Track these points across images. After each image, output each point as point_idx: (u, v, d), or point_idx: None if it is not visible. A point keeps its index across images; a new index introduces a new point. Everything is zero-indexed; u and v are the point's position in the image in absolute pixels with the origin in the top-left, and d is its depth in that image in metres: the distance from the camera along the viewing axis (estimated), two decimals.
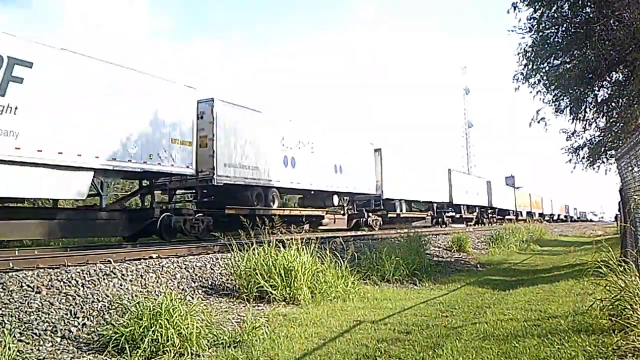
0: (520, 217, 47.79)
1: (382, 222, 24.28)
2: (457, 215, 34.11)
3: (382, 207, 24.49)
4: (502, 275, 11.00)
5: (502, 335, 5.02)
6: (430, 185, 29.09)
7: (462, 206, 34.76)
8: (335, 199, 21.32)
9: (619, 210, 10.63)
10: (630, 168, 6.95)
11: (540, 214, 59.30)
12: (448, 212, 32.55)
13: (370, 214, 23.70)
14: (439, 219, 31.24)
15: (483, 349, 4.51)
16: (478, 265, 12.94)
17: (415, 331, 5.37)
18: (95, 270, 6.83)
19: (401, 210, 26.31)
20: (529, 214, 52.02)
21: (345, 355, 4.54)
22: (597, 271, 5.32)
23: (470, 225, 34.03)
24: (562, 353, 4.20)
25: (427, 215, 30.17)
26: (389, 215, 25.09)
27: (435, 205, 30.82)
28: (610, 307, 5.01)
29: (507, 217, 44.26)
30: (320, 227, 20.34)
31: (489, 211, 41.31)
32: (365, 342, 4.95)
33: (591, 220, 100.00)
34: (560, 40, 11.50)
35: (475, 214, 37.80)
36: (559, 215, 72.57)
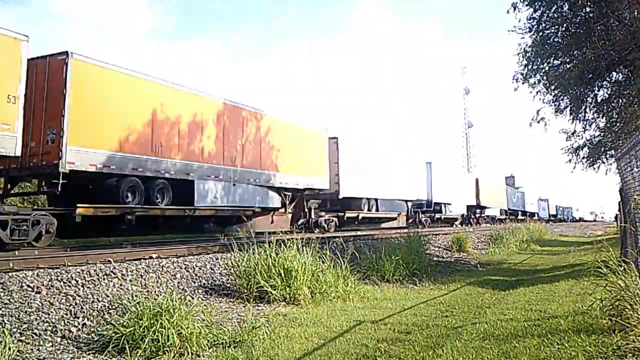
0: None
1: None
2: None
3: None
4: (502, 275, 11.00)
5: (502, 335, 5.02)
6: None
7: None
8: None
9: (619, 210, 10.63)
10: (630, 168, 6.95)
11: (413, 207, 28.33)
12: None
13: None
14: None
15: (483, 349, 4.51)
16: (478, 265, 12.95)
17: (415, 331, 5.37)
18: (95, 270, 6.83)
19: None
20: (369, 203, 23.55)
21: (345, 355, 4.54)
22: (597, 271, 5.32)
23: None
24: (562, 353, 4.20)
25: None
26: (436, 215, 31.01)
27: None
28: (610, 307, 5.01)
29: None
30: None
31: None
32: (365, 342, 4.95)
33: (581, 220, 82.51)
34: (560, 40, 11.51)
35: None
36: (478, 211, 38.26)
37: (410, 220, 27.31)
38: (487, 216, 42.03)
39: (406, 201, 27.12)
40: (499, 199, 43.71)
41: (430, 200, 29.54)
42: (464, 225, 32.65)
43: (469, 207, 36.63)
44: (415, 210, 28.41)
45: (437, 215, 30.82)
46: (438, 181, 30.29)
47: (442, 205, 31.35)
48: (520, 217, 49.48)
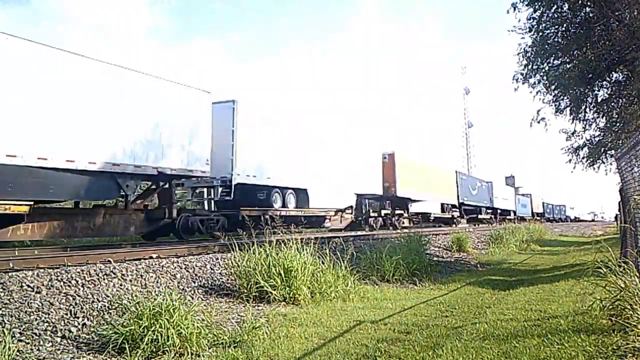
0: None
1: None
2: None
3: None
4: (502, 275, 11.00)
5: (502, 335, 5.01)
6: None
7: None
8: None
9: (619, 210, 10.63)
10: (630, 168, 6.96)
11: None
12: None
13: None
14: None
15: (483, 349, 4.50)
16: (478, 265, 12.95)
17: (415, 331, 5.37)
18: (95, 270, 6.83)
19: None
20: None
21: (345, 355, 4.54)
22: (597, 271, 5.32)
23: None
24: (562, 353, 4.20)
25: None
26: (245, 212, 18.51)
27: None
28: (610, 307, 5.00)
29: None
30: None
31: None
32: (365, 342, 4.95)
33: (577, 219, 73.58)
34: (560, 40, 11.51)
35: None
36: (391, 205, 24.98)
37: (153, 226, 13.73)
38: (416, 214, 27.91)
39: (124, 176, 12.34)
40: (440, 188, 29.70)
41: (229, 178, 15.24)
42: (346, 231, 19.81)
43: (371, 199, 24.13)
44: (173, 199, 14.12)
45: (250, 213, 15.73)
46: (260, 143, 16.39)
47: (276, 193, 17.57)
48: (482, 215, 35.94)
